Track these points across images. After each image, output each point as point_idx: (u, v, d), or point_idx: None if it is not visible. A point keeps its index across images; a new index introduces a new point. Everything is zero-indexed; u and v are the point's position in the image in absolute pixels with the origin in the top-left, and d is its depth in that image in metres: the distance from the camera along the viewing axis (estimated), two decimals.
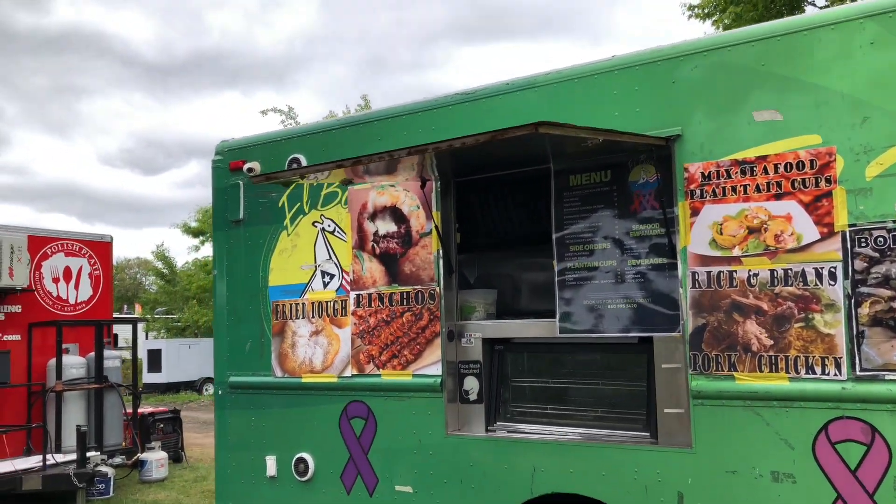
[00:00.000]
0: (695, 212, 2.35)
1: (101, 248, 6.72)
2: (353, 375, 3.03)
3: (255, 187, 3.30)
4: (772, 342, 2.20)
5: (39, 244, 6.16)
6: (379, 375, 2.96)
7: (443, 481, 2.76)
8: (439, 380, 2.80)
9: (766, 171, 2.25)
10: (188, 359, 16.55)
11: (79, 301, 6.46)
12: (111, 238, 6.88)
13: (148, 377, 15.94)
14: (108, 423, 6.05)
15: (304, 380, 3.16)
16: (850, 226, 2.12)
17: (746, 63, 2.29)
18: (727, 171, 2.32)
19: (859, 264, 2.10)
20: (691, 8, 10.45)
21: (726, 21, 9.69)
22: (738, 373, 2.25)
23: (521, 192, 3.16)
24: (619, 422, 2.59)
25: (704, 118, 2.36)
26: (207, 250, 20.14)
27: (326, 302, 3.13)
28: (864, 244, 2.10)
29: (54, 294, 6.28)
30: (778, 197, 2.23)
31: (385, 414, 2.93)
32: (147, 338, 19.52)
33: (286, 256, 3.26)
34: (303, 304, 3.19)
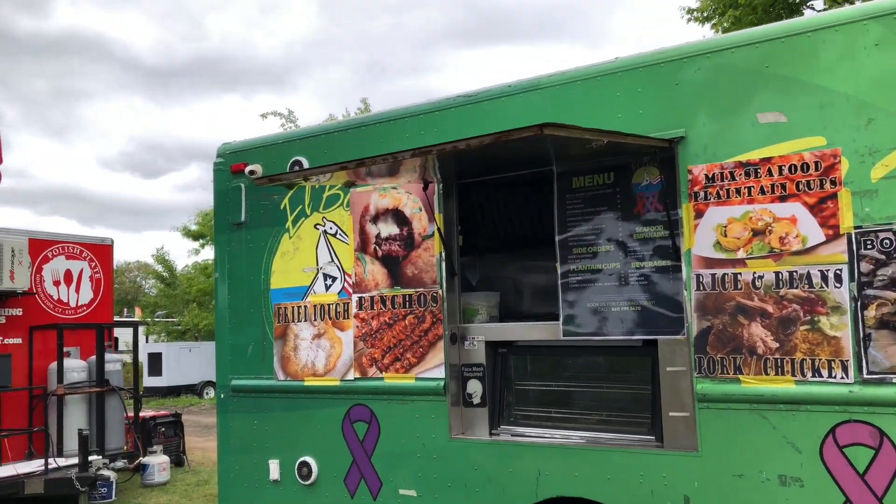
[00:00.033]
0: (699, 214, 2.35)
1: (101, 252, 6.71)
2: (355, 379, 3.02)
3: (257, 190, 3.30)
4: (777, 345, 2.19)
5: (40, 247, 6.16)
6: (381, 379, 2.95)
7: (447, 485, 2.75)
8: (442, 383, 2.79)
9: (770, 172, 2.25)
10: (188, 362, 16.53)
11: (80, 304, 6.45)
12: (112, 241, 6.88)
13: (148, 381, 15.91)
14: (110, 427, 6.04)
15: (306, 383, 3.15)
16: (855, 228, 2.11)
17: (750, 65, 2.29)
18: (731, 173, 2.31)
19: (865, 266, 2.09)
20: (690, 11, 10.45)
21: (725, 24, 9.68)
22: (744, 376, 2.24)
23: (523, 194, 3.15)
24: (623, 425, 2.57)
25: (708, 120, 2.35)
26: (207, 253, 20.15)
27: (328, 305, 3.12)
28: (870, 246, 2.09)
29: (55, 297, 6.27)
30: (783, 199, 2.23)
31: (388, 417, 2.91)
32: (147, 341, 19.50)
33: (288, 259, 3.25)
34: (305, 306, 3.18)
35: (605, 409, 2.65)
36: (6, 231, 5.86)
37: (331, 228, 3.15)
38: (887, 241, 2.06)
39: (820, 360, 2.13)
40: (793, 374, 2.16)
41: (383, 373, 2.95)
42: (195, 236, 20.08)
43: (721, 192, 2.32)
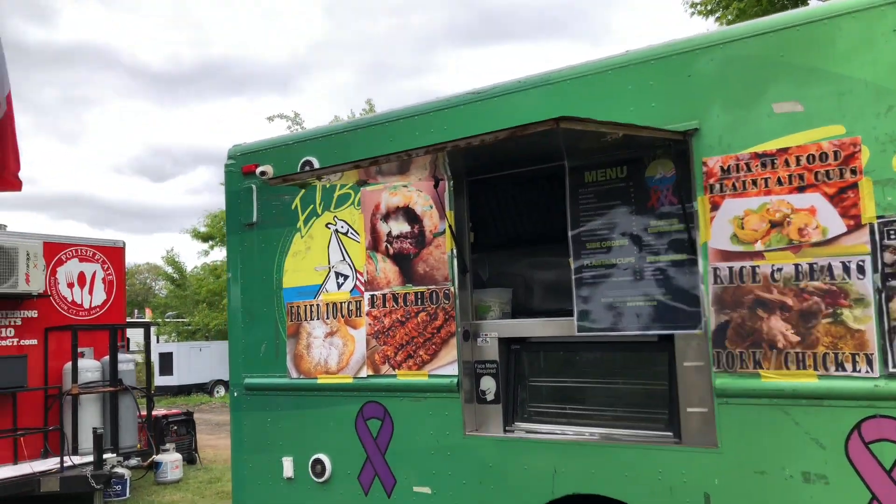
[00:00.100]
0: (714, 206, 2.31)
1: (114, 254, 6.77)
2: (368, 376, 3.01)
3: (269, 190, 3.30)
4: (798, 339, 2.15)
5: (54, 250, 6.22)
6: (395, 376, 2.94)
7: (461, 482, 2.74)
8: (456, 380, 2.78)
9: (787, 163, 2.21)
10: (199, 361, 16.67)
11: (93, 305, 6.51)
12: (124, 244, 6.94)
13: (160, 380, 16.06)
14: (124, 426, 6.09)
15: (319, 381, 3.15)
16: (878, 217, 2.06)
17: (764, 54, 2.25)
18: (747, 164, 2.27)
19: (889, 257, 2.05)
20: (694, 5, 10.31)
21: (730, 17, 9.53)
22: (764, 370, 2.20)
23: (535, 189, 3.13)
24: (640, 421, 2.55)
25: (722, 111, 2.31)
26: (216, 255, 20.30)
27: (341, 303, 3.12)
28: (893, 236, 2.05)
29: (69, 299, 6.33)
30: (801, 189, 2.19)
31: (401, 414, 2.91)
32: (158, 341, 19.68)
33: (300, 258, 3.25)
34: (317, 305, 3.18)
35: (621, 405, 2.62)
36: (21, 235, 5.93)
37: (342, 227, 3.15)
38: None
39: (843, 353, 2.09)
40: (815, 369, 2.13)
41: (396, 370, 2.94)
42: (204, 238, 20.22)
43: (737, 184, 2.28)
